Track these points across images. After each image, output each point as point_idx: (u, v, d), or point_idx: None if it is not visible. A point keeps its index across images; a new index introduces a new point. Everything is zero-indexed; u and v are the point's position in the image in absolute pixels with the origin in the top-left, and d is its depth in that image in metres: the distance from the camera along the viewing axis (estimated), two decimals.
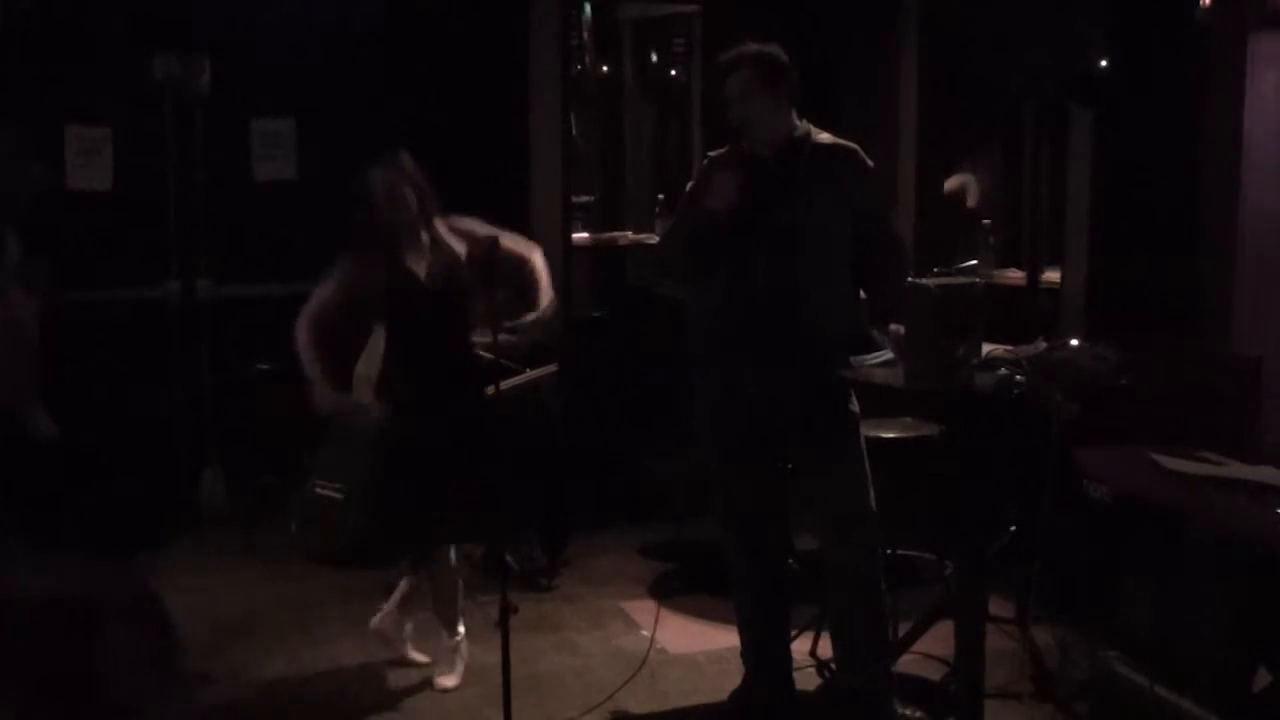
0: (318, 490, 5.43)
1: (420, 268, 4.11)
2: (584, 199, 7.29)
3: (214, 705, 4.11)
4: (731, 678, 4.06)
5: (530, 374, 5.12)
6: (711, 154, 3.75)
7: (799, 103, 3.69)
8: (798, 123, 3.69)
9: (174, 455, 6.07)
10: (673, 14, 7.33)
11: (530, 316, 4.17)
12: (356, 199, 4.08)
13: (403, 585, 4.36)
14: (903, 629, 4.09)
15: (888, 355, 3.76)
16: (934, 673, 4.09)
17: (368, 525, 4.18)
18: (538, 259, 4.24)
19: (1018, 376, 3.38)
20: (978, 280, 4.07)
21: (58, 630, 1.68)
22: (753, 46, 3.67)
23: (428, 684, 4.23)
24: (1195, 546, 3.33)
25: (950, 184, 6.59)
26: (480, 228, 4.09)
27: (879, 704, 3.75)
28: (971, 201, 6.40)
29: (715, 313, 3.72)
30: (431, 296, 4.09)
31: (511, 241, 4.11)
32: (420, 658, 4.36)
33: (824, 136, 3.71)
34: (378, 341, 5.25)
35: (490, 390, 4.25)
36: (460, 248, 4.11)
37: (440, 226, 4.13)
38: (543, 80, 6.30)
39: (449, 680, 4.21)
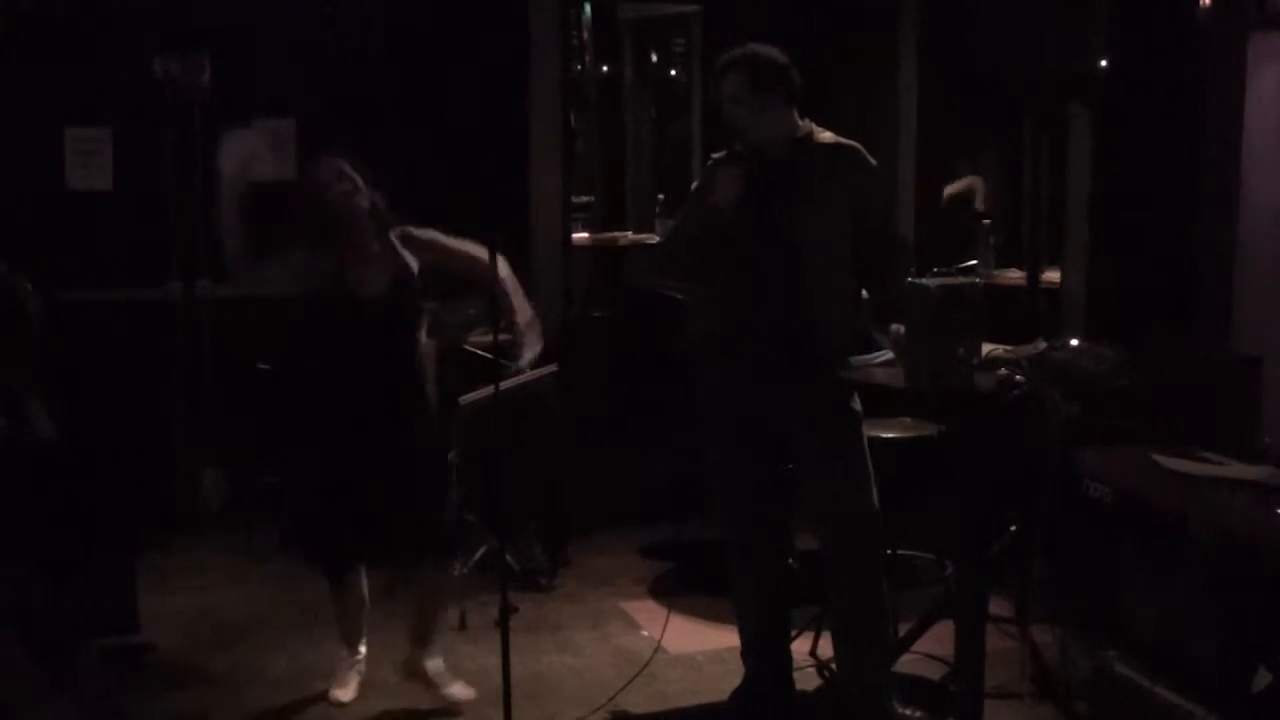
0: None
1: (362, 277, 3.89)
2: (584, 199, 7.30)
3: (214, 706, 4.11)
4: (731, 678, 4.06)
5: (530, 374, 5.12)
6: (715, 155, 3.75)
7: (799, 102, 3.68)
8: (800, 123, 3.69)
9: (174, 455, 6.07)
10: (673, 14, 7.34)
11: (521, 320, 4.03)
12: (304, 189, 3.92)
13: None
14: (903, 629, 4.09)
15: (888, 355, 3.76)
16: (934, 673, 4.09)
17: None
18: (504, 270, 4.01)
19: (1018, 376, 3.38)
20: (978, 280, 4.08)
21: None
22: (748, 49, 3.66)
23: (427, 683, 4.22)
24: (1195, 546, 3.33)
25: (956, 187, 6.58)
26: (441, 238, 3.98)
27: (879, 704, 3.75)
28: (980, 204, 6.41)
29: (717, 312, 3.72)
30: (371, 311, 3.88)
31: (475, 250, 3.94)
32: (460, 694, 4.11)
33: (826, 136, 3.71)
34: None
35: (473, 396, 4.21)
36: (414, 261, 3.94)
37: (394, 236, 3.95)
38: (543, 80, 6.30)
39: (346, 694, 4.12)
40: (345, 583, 4.12)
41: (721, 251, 3.66)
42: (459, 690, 4.09)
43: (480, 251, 3.82)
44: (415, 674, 4.12)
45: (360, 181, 3.90)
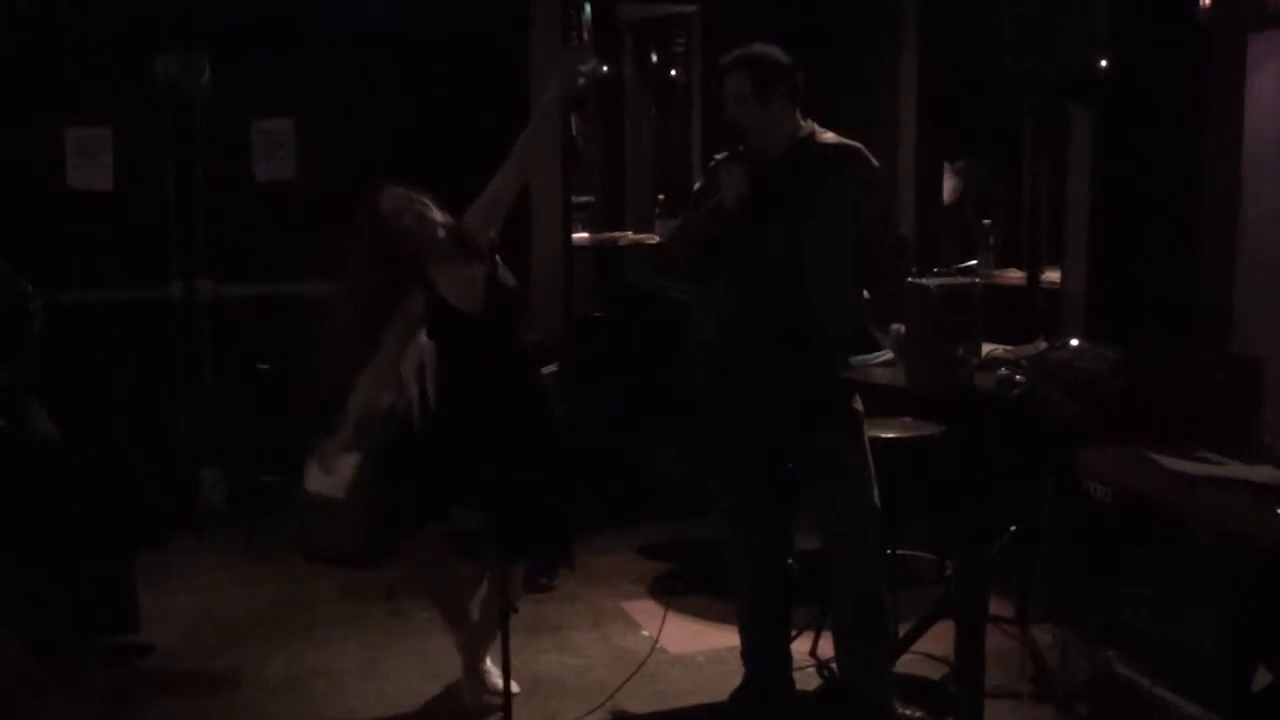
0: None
1: (460, 292, 3.78)
2: (584, 199, 7.29)
3: (214, 705, 4.11)
4: (731, 678, 4.06)
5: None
6: (717, 156, 3.76)
7: (801, 103, 3.69)
8: (802, 123, 3.69)
9: (174, 455, 6.07)
10: (673, 14, 7.33)
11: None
12: (377, 228, 3.74)
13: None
14: (903, 629, 4.09)
15: (888, 355, 3.76)
16: (934, 673, 4.09)
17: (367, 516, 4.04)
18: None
19: (1018, 376, 3.38)
20: (978, 280, 4.09)
21: None
22: (752, 48, 3.67)
23: (428, 683, 4.23)
24: (1195, 546, 3.33)
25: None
26: (479, 202, 3.89)
27: (879, 704, 3.75)
28: (948, 197, 6.36)
29: (719, 313, 3.72)
30: (476, 323, 3.79)
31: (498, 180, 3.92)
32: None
33: (828, 136, 3.72)
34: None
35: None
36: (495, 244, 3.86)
37: (461, 234, 3.83)
38: (543, 80, 6.29)
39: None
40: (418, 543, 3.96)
41: (723, 251, 3.66)
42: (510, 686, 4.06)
43: (498, 178, 3.87)
44: (474, 671, 4.07)
45: (426, 199, 3.80)
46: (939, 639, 4.03)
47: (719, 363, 3.75)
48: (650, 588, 5.17)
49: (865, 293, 3.75)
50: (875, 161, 3.70)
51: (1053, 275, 5.56)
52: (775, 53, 3.67)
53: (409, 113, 6.12)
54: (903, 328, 3.59)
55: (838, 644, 3.81)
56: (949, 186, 6.27)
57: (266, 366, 5.72)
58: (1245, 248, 4.83)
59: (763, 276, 3.63)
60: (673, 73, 7.56)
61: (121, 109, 5.96)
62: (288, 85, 6.07)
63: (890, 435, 4.37)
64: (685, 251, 3.81)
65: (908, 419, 4.59)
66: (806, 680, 4.10)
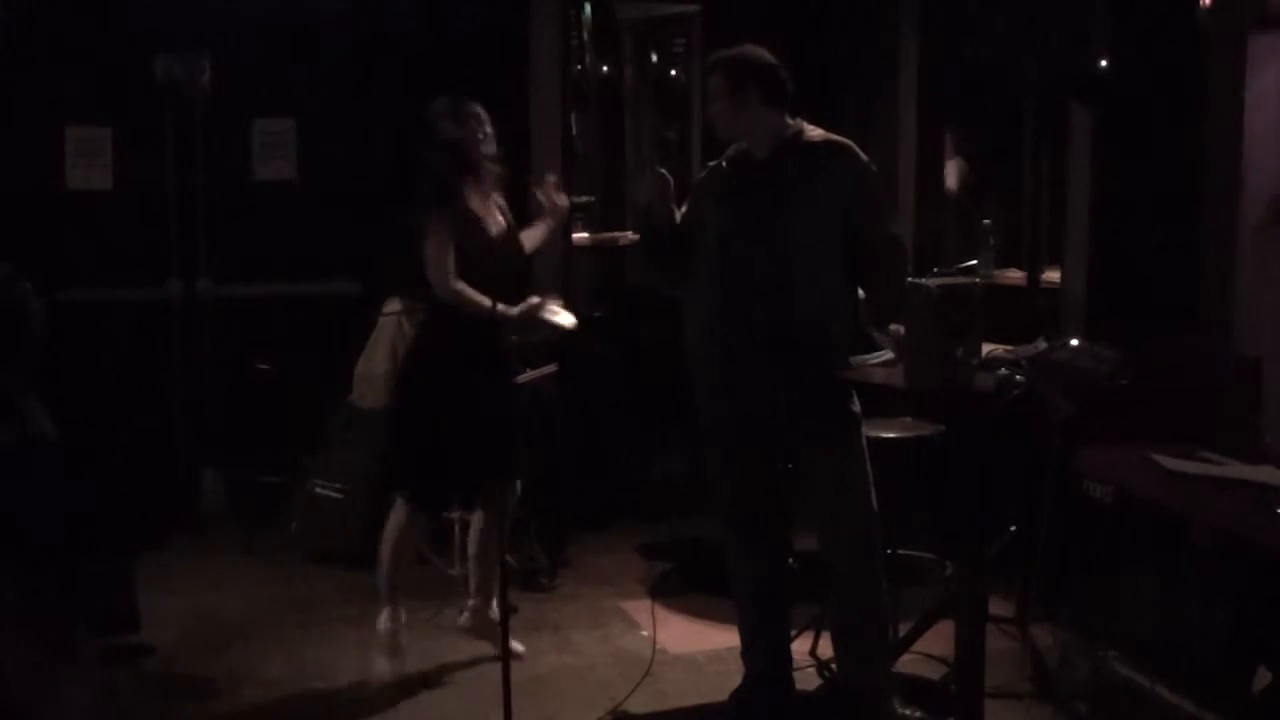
0: (318, 490, 5.45)
1: (492, 223, 4.18)
2: (584, 199, 7.29)
3: (214, 705, 4.11)
4: (731, 678, 4.06)
5: (530, 374, 5.12)
6: (710, 164, 3.78)
7: (787, 103, 3.68)
8: (790, 122, 3.69)
9: (174, 455, 6.07)
10: (673, 14, 7.34)
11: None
12: (444, 137, 4.28)
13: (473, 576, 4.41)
14: (903, 629, 4.09)
15: (888, 355, 3.76)
16: (934, 673, 4.09)
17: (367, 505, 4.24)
18: None
19: (1018, 376, 3.38)
20: (978, 280, 4.09)
21: None
22: (733, 50, 3.70)
23: (427, 683, 4.23)
24: (1195, 546, 3.33)
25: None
26: None
27: (879, 704, 3.75)
28: (951, 183, 6.37)
29: (713, 313, 3.72)
30: (502, 255, 4.16)
31: None
32: (518, 648, 4.30)
33: (815, 134, 3.70)
34: (379, 339, 5.27)
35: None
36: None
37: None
38: (543, 80, 6.31)
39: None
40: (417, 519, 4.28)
41: (673, 250, 3.70)
42: (516, 644, 4.21)
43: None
44: (485, 626, 4.28)
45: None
46: (939, 639, 4.03)
47: (714, 364, 3.75)
48: (650, 588, 5.17)
49: (862, 292, 3.75)
50: (865, 158, 3.67)
51: (1053, 275, 5.56)
52: (755, 53, 3.68)
53: (409, 113, 6.11)
54: (902, 328, 3.59)
55: (837, 644, 3.81)
56: (952, 175, 6.29)
57: (267, 366, 5.72)
58: (1245, 248, 4.83)
59: (750, 277, 3.61)
60: (673, 73, 7.56)
61: (121, 109, 5.96)
62: (288, 85, 6.07)
63: (890, 435, 4.36)
64: (646, 256, 3.94)
65: (908, 419, 4.59)
66: (806, 680, 4.10)
